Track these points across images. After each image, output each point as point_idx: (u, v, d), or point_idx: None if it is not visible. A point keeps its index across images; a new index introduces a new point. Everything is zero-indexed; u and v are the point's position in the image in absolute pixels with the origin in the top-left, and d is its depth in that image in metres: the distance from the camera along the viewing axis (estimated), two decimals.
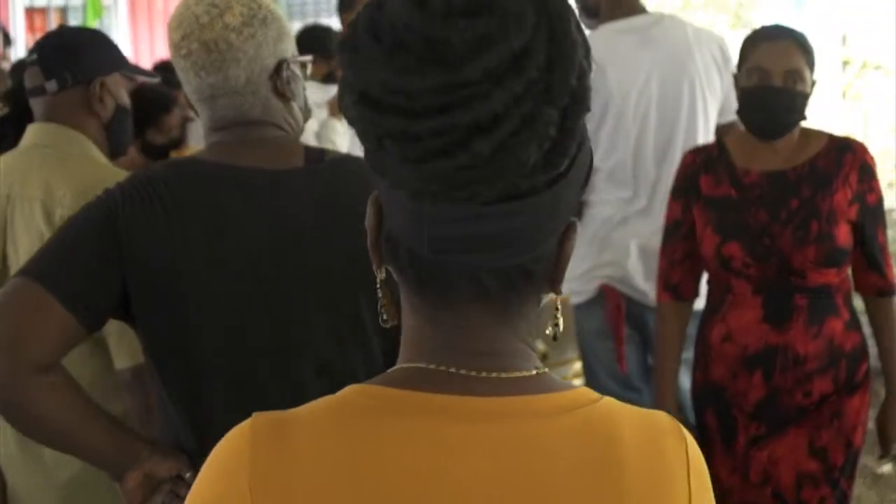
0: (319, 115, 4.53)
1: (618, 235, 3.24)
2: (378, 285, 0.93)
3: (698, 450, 0.95)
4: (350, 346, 1.69)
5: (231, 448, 0.88)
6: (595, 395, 0.93)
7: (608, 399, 0.94)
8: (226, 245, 1.65)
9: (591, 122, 3.17)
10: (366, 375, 1.17)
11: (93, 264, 1.64)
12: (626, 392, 3.34)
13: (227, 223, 1.66)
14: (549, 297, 0.94)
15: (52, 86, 2.30)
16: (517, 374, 0.91)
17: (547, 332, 0.96)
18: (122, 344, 2.10)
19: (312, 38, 4.76)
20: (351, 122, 0.84)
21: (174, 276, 1.64)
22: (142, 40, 10.28)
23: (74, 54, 2.33)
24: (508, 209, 0.84)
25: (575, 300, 3.39)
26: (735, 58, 3.25)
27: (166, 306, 1.65)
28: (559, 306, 0.95)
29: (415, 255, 0.88)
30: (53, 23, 9.37)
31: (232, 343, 1.66)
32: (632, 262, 3.22)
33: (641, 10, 3.27)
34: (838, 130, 2.03)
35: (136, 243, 1.64)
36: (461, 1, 0.80)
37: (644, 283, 3.23)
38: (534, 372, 0.91)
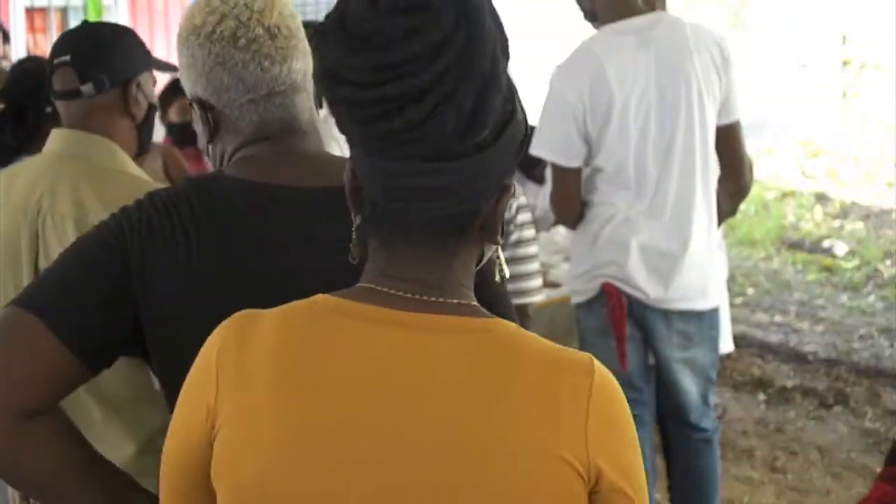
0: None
1: (619, 235, 3.24)
2: (353, 227, 1.17)
3: (612, 391, 1.17)
4: None
5: (215, 333, 1.17)
6: (514, 328, 1.13)
7: (526, 332, 1.14)
8: (250, 274, 1.45)
9: (596, 124, 3.19)
10: None
11: (100, 295, 1.42)
12: (628, 391, 3.34)
13: (254, 250, 1.45)
14: (493, 250, 1.19)
15: (88, 89, 2.21)
16: (440, 299, 1.13)
17: (496, 278, 1.23)
18: None
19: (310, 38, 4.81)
20: (319, 94, 1.05)
21: (192, 306, 1.42)
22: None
23: (110, 55, 2.24)
24: (443, 167, 1.07)
25: (576, 299, 3.40)
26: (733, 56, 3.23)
27: (184, 341, 1.32)
28: (501, 256, 1.21)
29: (373, 202, 1.12)
30: (54, 23, 9.36)
31: None
32: (633, 261, 3.23)
33: (640, 10, 3.25)
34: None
35: (150, 271, 1.43)
36: (402, 1, 1.04)
37: (645, 282, 3.24)
38: (456, 301, 1.13)
